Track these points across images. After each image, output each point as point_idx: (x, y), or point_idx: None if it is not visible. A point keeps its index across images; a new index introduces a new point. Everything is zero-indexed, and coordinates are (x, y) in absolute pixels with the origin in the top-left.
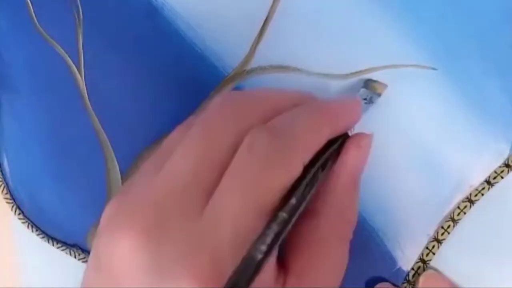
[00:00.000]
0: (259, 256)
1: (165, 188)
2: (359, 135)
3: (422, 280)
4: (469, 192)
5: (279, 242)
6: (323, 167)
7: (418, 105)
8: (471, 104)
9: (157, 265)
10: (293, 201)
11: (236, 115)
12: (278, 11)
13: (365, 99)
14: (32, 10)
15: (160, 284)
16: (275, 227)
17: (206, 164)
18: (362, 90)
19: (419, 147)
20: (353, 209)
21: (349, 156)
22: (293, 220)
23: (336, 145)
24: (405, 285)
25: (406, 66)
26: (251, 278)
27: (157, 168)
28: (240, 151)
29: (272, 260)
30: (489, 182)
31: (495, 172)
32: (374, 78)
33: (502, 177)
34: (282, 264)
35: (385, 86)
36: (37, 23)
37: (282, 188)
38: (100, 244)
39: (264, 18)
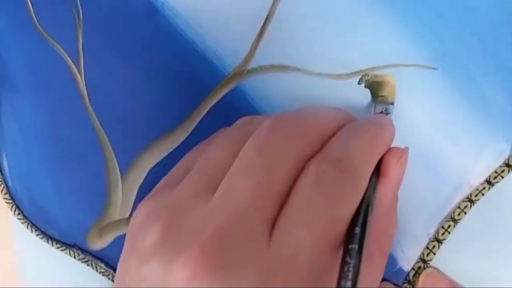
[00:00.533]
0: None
1: (224, 212)
2: (397, 150)
3: (422, 278)
4: (469, 192)
5: (359, 275)
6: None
7: (418, 104)
8: (472, 104)
9: None
10: (357, 230)
11: (289, 142)
12: (278, 11)
13: (382, 112)
14: (32, 10)
15: None
16: (351, 261)
17: (267, 191)
18: (377, 105)
19: (419, 146)
20: (394, 223)
21: (391, 172)
22: (364, 249)
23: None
24: (405, 285)
25: (406, 66)
26: None
27: (207, 190)
28: (305, 183)
29: None
30: (489, 182)
31: (496, 172)
32: (380, 94)
33: (502, 177)
34: None
35: (393, 90)
36: (37, 23)
37: (349, 219)
38: (143, 271)
39: (264, 17)
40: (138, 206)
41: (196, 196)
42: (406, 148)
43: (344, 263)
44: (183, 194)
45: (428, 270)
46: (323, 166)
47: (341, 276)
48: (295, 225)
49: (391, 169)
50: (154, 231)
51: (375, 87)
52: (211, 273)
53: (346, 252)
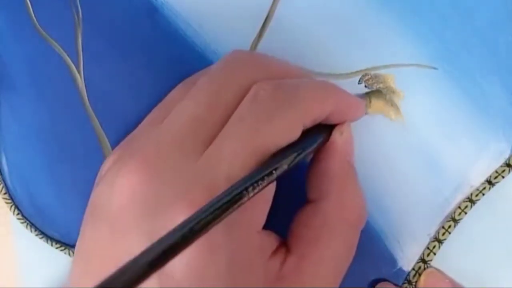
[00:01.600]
0: (244, 191)
1: (169, 131)
2: (342, 123)
3: (423, 278)
4: (470, 192)
5: (263, 184)
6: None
7: (418, 104)
8: (472, 104)
9: (156, 199)
10: (283, 160)
11: (243, 70)
12: (278, 11)
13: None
14: (31, 10)
15: (158, 218)
16: (264, 171)
17: (211, 111)
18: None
19: (420, 146)
20: (356, 192)
21: (338, 141)
22: (274, 175)
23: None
24: (406, 285)
25: (407, 65)
26: (229, 204)
27: (159, 121)
28: (244, 101)
29: (273, 236)
30: (490, 182)
31: (496, 172)
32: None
33: (503, 177)
34: (286, 246)
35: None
36: (36, 23)
37: (279, 142)
38: (97, 191)
39: (264, 17)
40: None
41: (150, 124)
42: (349, 124)
43: (256, 170)
44: (142, 126)
45: (429, 270)
46: (263, 85)
47: (249, 176)
48: (223, 139)
49: (337, 138)
50: (109, 159)
51: (375, 86)
52: (147, 179)
53: (264, 163)
